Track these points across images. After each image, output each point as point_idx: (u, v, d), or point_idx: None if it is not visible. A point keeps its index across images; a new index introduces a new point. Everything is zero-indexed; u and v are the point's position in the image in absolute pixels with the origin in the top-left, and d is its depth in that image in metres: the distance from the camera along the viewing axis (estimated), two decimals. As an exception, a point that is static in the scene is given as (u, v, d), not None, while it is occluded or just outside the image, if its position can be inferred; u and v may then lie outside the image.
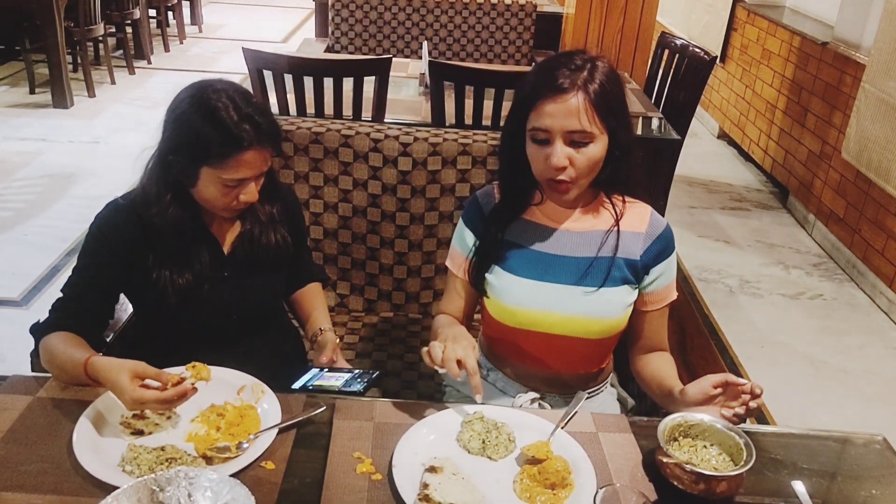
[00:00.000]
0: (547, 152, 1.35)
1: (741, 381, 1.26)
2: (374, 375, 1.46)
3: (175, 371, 1.28)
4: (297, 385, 1.44)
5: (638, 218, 1.49)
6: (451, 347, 1.30)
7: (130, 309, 1.64)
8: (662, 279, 1.49)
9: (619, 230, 1.47)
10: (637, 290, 1.49)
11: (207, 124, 1.36)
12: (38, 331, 1.41)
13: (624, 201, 1.49)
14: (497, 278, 1.49)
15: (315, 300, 1.76)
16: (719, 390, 1.29)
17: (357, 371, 1.48)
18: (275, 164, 1.61)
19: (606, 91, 1.35)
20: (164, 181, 1.42)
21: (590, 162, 1.36)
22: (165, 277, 1.45)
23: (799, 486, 1.21)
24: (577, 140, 1.34)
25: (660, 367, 1.51)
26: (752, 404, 1.26)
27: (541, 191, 1.50)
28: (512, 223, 1.51)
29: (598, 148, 1.36)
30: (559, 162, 1.34)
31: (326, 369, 1.52)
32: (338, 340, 1.65)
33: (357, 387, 1.41)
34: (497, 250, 1.50)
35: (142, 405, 1.23)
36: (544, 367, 1.55)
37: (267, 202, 1.56)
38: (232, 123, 1.35)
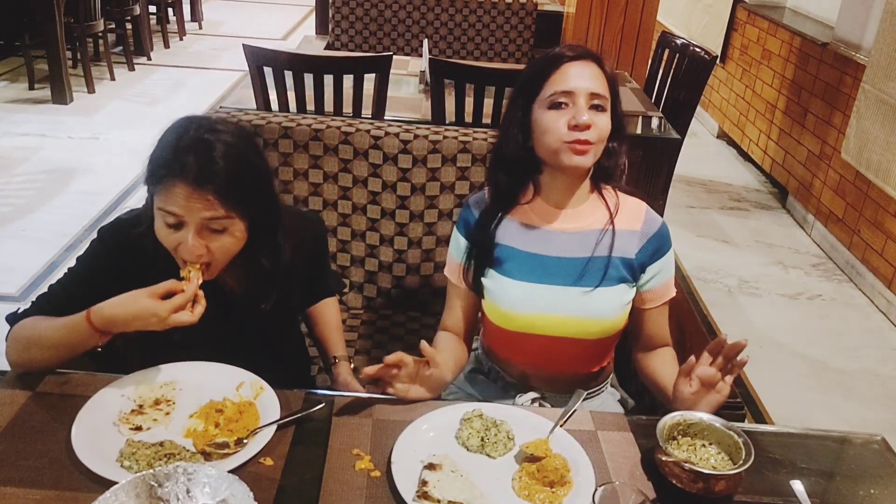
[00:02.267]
0: (568, 114, 1.36)
1: (705, 356, 1.26)
2: None
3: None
4: None
5: (633, 216, 1.49)
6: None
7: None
8: (660, 277, 1.49)
9: (613, 229, 1.46)
10: (634, 288, 1.49)
11: (159, 147, 1.28)
12: (16, 320, 1.36)
13: (617, 195, 1.50)
14: (493, 282, 1.48)
15: (330, 320, 1.71)
16: (697, 375, 1.27)
17: None
18: (288, 250, 1.45)
19: (612, 71, 1.42)
20: (150, 204, 1.33)
21: (605, 130, 1.39)
22: None
23: (798, 486, 1.21)
24: (597, 104, 1.37)
25: (659, 367, 1.50)
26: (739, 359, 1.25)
27: (535, 185, 1.48)
28: (504, 223, 1.49)
29: (608, 120, 1.40)
30: (586, 119, 1.35)
31: None
32: (351, 367, 1.64)
33: None
34: (490, 250, 1.48)
35: (175, 311, 1.21)
36: (544, 369, 1.54)
37: (273, 291, 1.45)
38: (179, 147, 1.25)
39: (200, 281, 1.27)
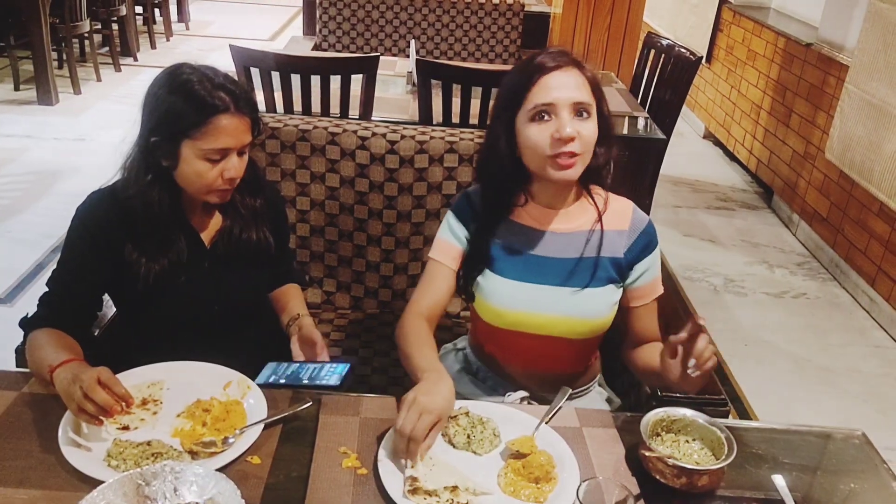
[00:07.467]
0: (552, 127, 1.35)
1: (681, 335, 1.25)
2: (347, 369, 1.41)
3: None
4: (260, 381, 1.40)
5: (620, 215, 1.51)
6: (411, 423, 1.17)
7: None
8: (647, 275, 1.51)
9: (602, 229, 1.48)
10: (622, 287, 1.51)
11: (181, 97, 1.37)
12: (27, 325, 1.41)
13: (606, 195, 1.50)
14: (485, 280, 1.49)
15: (291, 296, 1.73)
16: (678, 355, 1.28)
17: (326, 364, 1.44)
18: (256, 159, 1.61)
19: (594, 75, 1.41)
20: (144, 163, 1.42)
21: (591, 137, 1.37)
22: (142, 263, 1.43)
23: (779, 480, 1.23)
24: (581, 110, 1.36)
25: (652, 354, 1.49)
26: (700, 345, 1.23)
27: (525, 193, 1.49)
28: (499, 225, 1.50)
29: (594, 126, 1.38)
30: (570, 132, 1.33)
31: (295, 363, 1.49)
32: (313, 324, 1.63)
33: (331, 381, 1.38)
34: (486, 254, 1.49)
35: (91, 407, 1.18)
36: (532, 367, 1.55)
37: (248, 195, 1.55)
38: (205, 92, 1.37)
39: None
